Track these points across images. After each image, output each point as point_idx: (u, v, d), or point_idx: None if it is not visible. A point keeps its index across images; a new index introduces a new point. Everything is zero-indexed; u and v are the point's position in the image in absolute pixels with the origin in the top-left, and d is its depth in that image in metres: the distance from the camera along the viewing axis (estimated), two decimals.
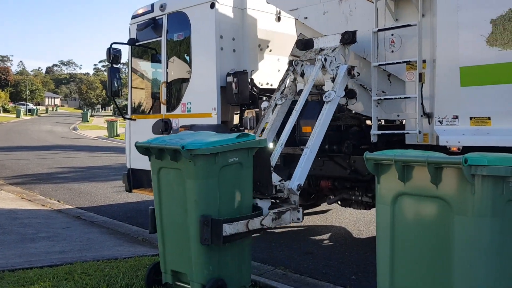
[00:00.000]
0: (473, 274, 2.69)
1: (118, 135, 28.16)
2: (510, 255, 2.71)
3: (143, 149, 3.90)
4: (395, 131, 5.01)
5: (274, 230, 6.43)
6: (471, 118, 4.27)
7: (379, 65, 4.90)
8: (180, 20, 6.90)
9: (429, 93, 4.59)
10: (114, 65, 7.25)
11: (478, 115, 4.23)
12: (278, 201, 4.46)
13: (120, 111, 8.05)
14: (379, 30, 4.88)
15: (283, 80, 5.41)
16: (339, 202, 6.04)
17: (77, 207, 8.56)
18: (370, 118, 5.07)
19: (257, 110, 6.01)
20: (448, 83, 4.39)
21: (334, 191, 5.91)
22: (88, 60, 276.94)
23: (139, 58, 7.96)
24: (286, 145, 4.72)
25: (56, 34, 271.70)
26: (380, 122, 5.20)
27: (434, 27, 4.52)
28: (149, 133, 7.31)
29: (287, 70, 5.39)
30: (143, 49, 7.70)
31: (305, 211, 5.98)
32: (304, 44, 5.44)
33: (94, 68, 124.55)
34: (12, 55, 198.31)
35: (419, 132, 4.58)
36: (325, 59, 4.97)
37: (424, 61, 4.60)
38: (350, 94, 5.15)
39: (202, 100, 6.59)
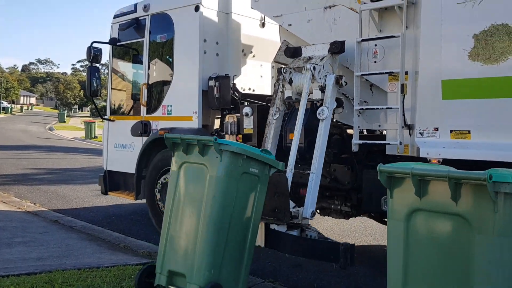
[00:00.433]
0: None
1: (96, 137, 27.72)
2: None
3: (171, 142, 3.96)
4: (376, 141, 5.03)
5: None
6: (451, 131, 4.30)
7: (362, 75, 4.92)
8: (163, 21, 6.83)
9: (410, 105, 4.62)
10: (94, 65, 7.14)
11: (458, 128, 4.26)
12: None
13: (99, 112, 7.94)
14: (363, 40, 4.90)
15: (276, 92, 5.37)
16: (318, 211, 6.02)
17: (54, 210, 8.27)
18: (351, 127, 5.08)
19: (238, 115, 5.97)
20: (430, 95, 4.42)
21: None
22: (66, 60, 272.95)
23: (120, 58, 7.86)
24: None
25: (33, 32, 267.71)
26: (361, 132, 5.21)
27: (418, 39, 4.55)
28: (128, 134, 7.21)
29: (277, 81, 5.35)
30: (124, 49, 7.61)
31: None
32: (292, 52, 5.43)
33: (72, 68, 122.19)
34: None
35: (400, 143, 4.61)
36: (314, 68, 4.97)
37: (406, 73, 4.63)
38: (337, 103, 5.15)
39: (183, 103, 6.53)
